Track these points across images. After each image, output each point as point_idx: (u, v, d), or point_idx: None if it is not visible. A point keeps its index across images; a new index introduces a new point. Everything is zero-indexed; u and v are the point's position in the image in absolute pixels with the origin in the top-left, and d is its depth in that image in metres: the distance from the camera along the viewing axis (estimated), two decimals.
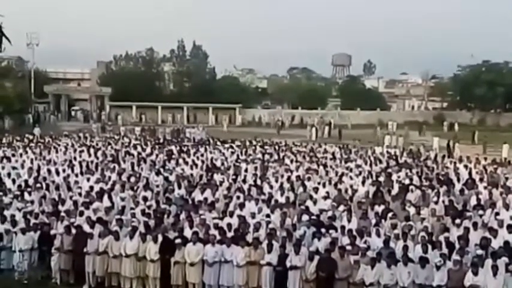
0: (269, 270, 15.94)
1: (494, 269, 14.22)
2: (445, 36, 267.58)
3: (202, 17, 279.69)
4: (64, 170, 27.89)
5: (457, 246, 16.20)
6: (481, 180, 27.22)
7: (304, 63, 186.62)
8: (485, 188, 25.07)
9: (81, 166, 29.05)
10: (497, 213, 19.94)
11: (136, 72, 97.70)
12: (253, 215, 19.38)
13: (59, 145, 39.53)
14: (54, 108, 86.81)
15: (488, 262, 14.62)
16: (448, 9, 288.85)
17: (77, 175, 26.83)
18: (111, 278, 17.13)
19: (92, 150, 36.08)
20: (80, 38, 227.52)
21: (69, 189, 23.88)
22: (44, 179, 25.67)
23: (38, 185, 24.01)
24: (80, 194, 22.48)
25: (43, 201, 21.24)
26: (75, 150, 36.37)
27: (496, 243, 16.53)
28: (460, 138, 51.73)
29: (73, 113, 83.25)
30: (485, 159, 35.00)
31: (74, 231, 17.47)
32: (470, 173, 29.01)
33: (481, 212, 20.19)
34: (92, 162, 31.03)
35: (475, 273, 14.31)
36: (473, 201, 22.63)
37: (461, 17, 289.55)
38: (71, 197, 21.97)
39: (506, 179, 28.15)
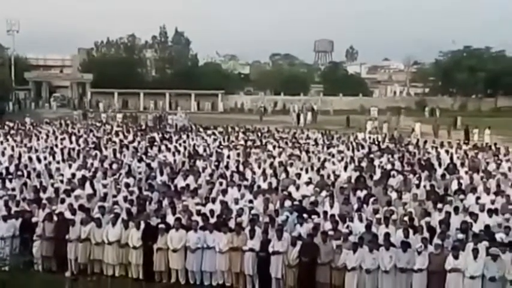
0: (252, 256, 16.00)
1: (475, 252, 14.38)
2: (427, 22, 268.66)
3: (184, 3, 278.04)
4: (45, 158, 27.72)
5: (438, 230, 16.34)
6: (462, 165, 27.46)
7: (286, 50, 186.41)
8: (466, 173, 25.31)
9: (62, 153, 28.88)
10: (478, 198, 20.12)
11: (118, 58, 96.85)
12: (235, 201, 19.44)
13: (40, 132, 39.24)
14: (35, 95, 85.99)
15: (469, 246, 14.77)
16: None
17: (58, 162, 26.75)
18: (94, 265, 17.12)
19: (73, 138, 35.89)
20: (60, 25, 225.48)
21: (51, 176, 23.80)
22: (25, 166, 25.56)
23: (19, 172, 23.90)
24: (61, 181, 22.37)
25: (24, 189, 21.17)
26: (56, 138, 36.14)
27: (476, 228, 16.69)
28: (440, 124, 52.14)
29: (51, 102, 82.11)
30: (466, 144, 35.28)
31: (55, 218, 17.41)
32: (451, 158, 29.23)
33: (462, 196, 20.36)
34: (73, 149, 30.82)
35: (456, 257, 14.46)
36: (454, 186, 22.82)
37: (443, 2, 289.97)
38: (52, 184, 21.88)
39: (487, 163, 28.38)
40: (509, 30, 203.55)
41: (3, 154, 28.41)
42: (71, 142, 34.19)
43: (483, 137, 43.95)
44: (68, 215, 17.64)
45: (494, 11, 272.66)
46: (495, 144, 35.34)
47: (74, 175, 23.27)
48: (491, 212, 18.11)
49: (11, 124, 45.68)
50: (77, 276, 16.99)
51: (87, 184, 21.52)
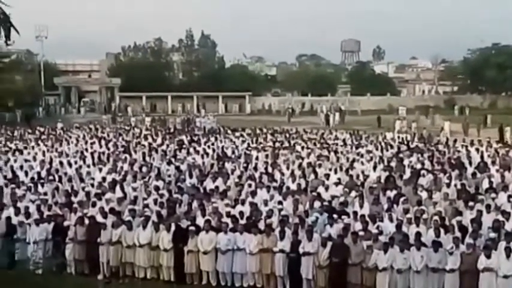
0: (282, 257, 15.96)
1: (508, 251, 14.19)
2: (454, 20, 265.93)
3: (209, 6, 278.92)
4: (76, 162, 28.02)
5: (470, 229, 16.17)
6: (493, 163, 27.17)
7: (313, 50, 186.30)
8: (497, 171, 25.01)
9: (92, 157, 29.24)
10: (510, 196, 19.85)
11: (145, 62, 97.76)
12: (265, 203, 19.40)
13: (70, 137, 39.71)
14: (65, 100, 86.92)
15: (502, 244, 14.60)
16: None
17: (88, 166, 27.00)
18: (126, 267, 17.21)
19: (103, 142, 36.25)
20: (88, 30, 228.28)
21: (82, 180, 23.99)
22: (57, 171, 25.86)
23: (51, 177, 24.20)
24: (92, 185, 22.59)
25: (56, 193, 21.39)
26: (86, 142, 36.55)
27: (509, 226, 16.50)
28: (470, 122, 51.60)
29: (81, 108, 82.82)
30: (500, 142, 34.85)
31: (87, 221, 17.57)
32: (482, 156, 28.92)
33: (493, 195, 20.10)
34: (103, 153, 31.15)
35: (488, 256, 14.29)
36: (485, 184, 22.53)
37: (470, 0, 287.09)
38: (83, 188, 22.06)
39: None
40: None
41: (34, 159, 28.82)
42: (101, 146, 34.55)
43: None
44: (99, 218, 17.79)
45: None
46: None
47: (104, 179, 23.49)
48: None
49: (42, 129, 46.27)
50: (109, 279, 17.09)
51: (118, 187, 21.68)
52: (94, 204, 19.21)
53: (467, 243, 14.88)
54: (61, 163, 27.45)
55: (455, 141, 36.04)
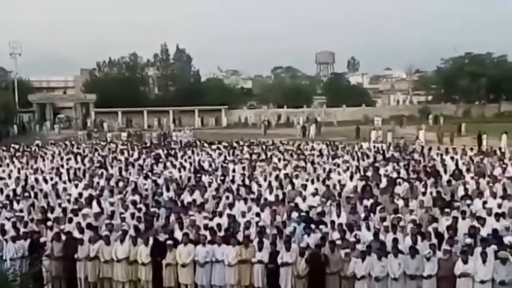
0: (261, 268, 15.98)
1: (484, 256, 14.36)
2: (427, 30, 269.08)
3: (184, 21, 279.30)
4: (52, 178, 27.76)
5: (446, 236, 16.32)
6: (468, 170, 27.45)
7: (288, 63, 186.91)
8: (472, 178, 25.26)
9: (68, 173, 28.99)
10: (485, 202, 20.13)
11: (120, 77, 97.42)
12: (243, 214, 19.44)
13: (45, 153, 39.35)
14: (40, 117, 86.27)
15: (478, 250, 14.77)
16: (430, 3, 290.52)
17: (65, 182, 26.76)
18: (104, 283, 17.08)
19: (79, 157, 36.00)
20: (62, 47, 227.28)
21: (58, 196, 23.81)
22: (32, 187, 25.60)
23: (26, 193, 23.93)
24: (68, 201, 22.38)
25: (32, 210, 21.21)
26: (62, 158, 36.28)
27: (484, 232, 16.71)
28: (444, 131, 52.11)
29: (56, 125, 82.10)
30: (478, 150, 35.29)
31: (64, 237, 17.43)
32: (457, 164, 29.22)
33: (468, 201, 20.33)
34: (79, 169, 30.95)
35: (465, 262, 14.44)
36: (460, 191, 22.82)
37: (443, 10, 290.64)
38: (59, 204, 21.90)
39: (493, 168, 28.37)
40: (509, 35, 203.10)
41: (9, 176, 28.49)
42: (77, 162, 34.28)
43: (499, 142, 43.27)
44: (76, 234, 17.67)
45: (495, 16, 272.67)
46: (500, 148, 35.28)
47: (80, 194, 23.29)
48: (499, 216, 18.08)
49: (17, 146, 45.80)
50: None
51: (94, 203, 21.53)
52: (71, 220, 19.06)
53: (444, 250, 15.03)
54: (36, 180, 27.22)
55: (430, 149, 36.37)
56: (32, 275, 16.97)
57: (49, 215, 20.24)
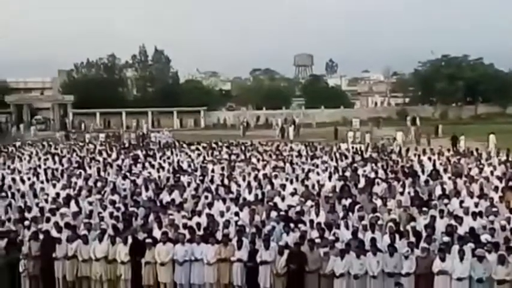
0: (240, 267, 15.98)
1: (461, 254, 14.51)
2: (405, 33, 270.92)
3: (163, 22, 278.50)
4: (29, 178, 27.51)
5: (424, 234, 16.47)
6: (445, 170, 27.74)
7: (266, 65, 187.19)
8: (449, 178, 25.52)
9: (46, 173, 28.77)
10: (462, 202, 20.36)
11: (98, 79, 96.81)
12: (222, 214, 19.42)
13: (23, 154, 39.03)
14: (17, 118, 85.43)
15: (455, 248, 14.92)
16: (407, 5, 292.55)
17: (42, 182, 26.54)
18: (82, 282, 16.97)
19: (56, 158, 35.74)
20: (40, 47, 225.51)
21: (35, 196, 23.58)
22: (9, 187, 25.32)
23: (3, 193, 23.67)
24: (46, 201, 22.23)
25: (9, 209, 21.00)
26: (39, 159, 36.00)
27: (461, 230, 16.88)
28: (422, 132, 52.56)
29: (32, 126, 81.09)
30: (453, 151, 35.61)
31: (41, 236, 17.29)
32: (434, 165, 29.49)
33: (446, 201, 20.59)
34: (57, 169, 30.70)
35: (443, 259, 14.58)
36: (438, 191, 23.00)
37: (422, 13, 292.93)
38: (37, 204, 21.72)
39: (470, 168, 28.64)
40: (485, 38, 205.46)
41: None
42: (55, 162, 34.02)
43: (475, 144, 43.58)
44: (54, 233, 17.54)
45: (469, 20, 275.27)
46: (477, 149, 35.62)
47: (58, 194, 23.15)
48: (476, 215, 18.28)
49: None
50: None
51: (72, 202, 21.38)
52: (48, 220, 18.91)
53: (422, 248, 15.16)
54: (13, 180, 26.96)
55: (407, 150, 36.62)
56: (8, 275, 16.95)
57: (26, 214, 20.06)
